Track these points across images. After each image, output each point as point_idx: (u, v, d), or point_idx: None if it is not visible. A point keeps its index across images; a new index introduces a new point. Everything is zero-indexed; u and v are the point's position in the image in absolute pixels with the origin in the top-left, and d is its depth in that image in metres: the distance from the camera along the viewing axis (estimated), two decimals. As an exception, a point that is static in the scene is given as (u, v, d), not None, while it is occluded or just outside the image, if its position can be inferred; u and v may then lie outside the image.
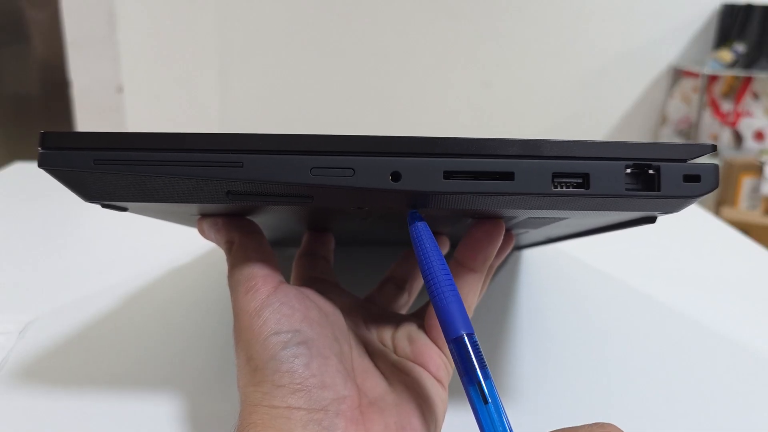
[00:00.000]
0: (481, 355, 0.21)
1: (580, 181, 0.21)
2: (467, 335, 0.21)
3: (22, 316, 0.40)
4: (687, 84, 2.12)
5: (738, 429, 0.32)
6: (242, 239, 0.27)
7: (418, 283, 0.33)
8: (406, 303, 0.32)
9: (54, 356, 0.36)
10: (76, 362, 0.36)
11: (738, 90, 2.08)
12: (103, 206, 0.24)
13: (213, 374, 0.35)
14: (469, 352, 0.21)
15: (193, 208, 0.26)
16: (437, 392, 0.26)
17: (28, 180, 0.73)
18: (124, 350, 0.37)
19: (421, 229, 0.23)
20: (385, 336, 0.28)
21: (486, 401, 0.20)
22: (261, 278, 0.25)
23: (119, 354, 0.37)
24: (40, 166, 0.21)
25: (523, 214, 0.25)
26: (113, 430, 0.30)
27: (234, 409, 0.24)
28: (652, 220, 0.25)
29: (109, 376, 0.34)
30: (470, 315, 0.27)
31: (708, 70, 2.01)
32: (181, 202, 0.22)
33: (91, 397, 0.33)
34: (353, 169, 0.21)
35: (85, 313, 0.41)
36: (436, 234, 0.33)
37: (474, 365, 0.21)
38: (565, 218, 0.26)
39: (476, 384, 0.21)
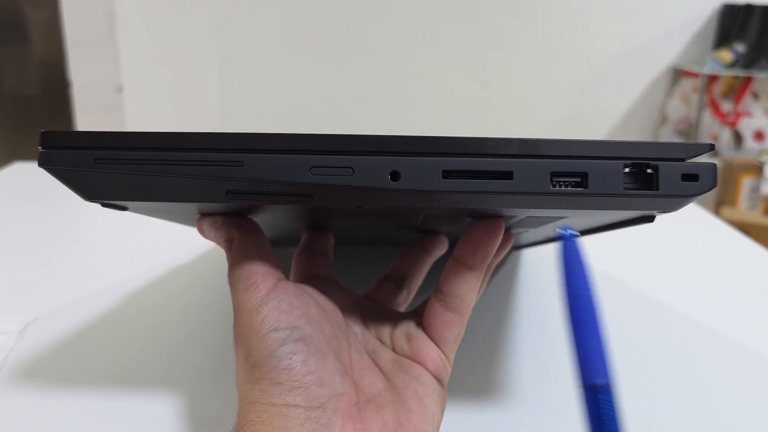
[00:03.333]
0: (617, 412, 0.18)
1: (578, 180, 0.21)
2: (605, 385, 0.18)
3: (22, 316, 0.40)
4: (687, 84, 2.12)
5: (738, 429, 0.32)
6: (242, 237, 0.27)
7: (417, 281, 0.33)
8: (405, 301, 0.32)
9: (54, 356, 0.36)
10: (76, 362, 0.36)
11: (738, 90, 2.08)
12: (103, 205, 0.24)
13: (212, 373, 0.35)
14: (603, 405, 0.18)
15: (192, 208, 0.26)
16: (435, 390, 0.26)
17: (28, 180, 0.73)
18: (124, 350, 0.37)
19: (575, 249, 0.20)
20: (383, 333, 0.29)
21: None
22: (260, 275, 0.25)
23: (119, 354, 0.37)
24: (40, 165, 0.21)
25: (521, 214, 0.25)
26: (113, 430, 0.31)
27: (233, 407, 0.24)
28: (650, 219, 0.25)
29: (109, 376, 0.35)
30: (469, 312, 0.27)
31: (708, 70, 2.01)
32: (181, 201, 0.22)
33: (91, 397, 0.33)
34: (352, 169, 0.21)
35: (85, 313, 0.41)
36: (436, 234, 0.33)
37: (605, 422, 0.18)
38: (563, 217, 0.26)
39: None
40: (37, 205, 0.64)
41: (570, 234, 0.20)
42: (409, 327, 0.28)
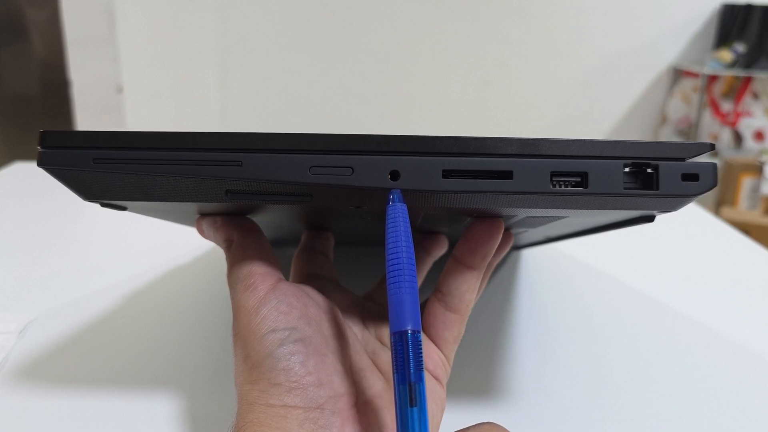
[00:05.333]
0: (421, 356, 0.20)
1: (578, 180, 0.21)
2: (412, 331, 0.20)
3: (22, 316, 0.40)
4: (687, 84, 2.12)
5: (738, 429, 0.32)
6: (241, 237, 0.27)
7: (417, 282, 0.33)
8: (405, 302, 0.32)
9: (54, 356, 0.36)
10: (76, 362, 0.36)
11: (738, 90, 2.08)
12: (103, 205, 0.24)
13: (212, 373, 0.35)
14: (409, 349, 0.20)
15: (192, 207, 0.26)
16: (435, 390, 0.26)
17: (28, 180, 0.73)
18: (124, 350, 0.37)
19: (400, 211, 0.21)
20: (383, 334, 0.29)
21: (413, 404, 0.20)
22: (260, 276, 0.25)
23: (119, 354, 0.37)
24: (39, 165, 0.21)
25: (521, 213, 0.25)
26: (113, 430, 0.30)
27: (232, 408, 0.24)
28: (650, 219, 0.25)
29: (109, 376, 0.34)
30: (468, 312, 0.27)
31: (708, 70, 2.01)
32: (180, 201, 0.22)
33: (91, 397, 0.33)
34: (352, 168, 0.21)
35: (85, 313, 0.41)
36: (436, 233, 0.33)
37: (410, 364, 0.20)
38: (563, 217, 0.26)
39: (407, 384, 0.20)
40: (37, 205, 0.64)
41: (398, 198, 0.21)
42: (408, 327, 0.28)
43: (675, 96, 2.14)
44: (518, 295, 0.46)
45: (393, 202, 0.21)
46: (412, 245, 0.21)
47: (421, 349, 0.21)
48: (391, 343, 0.21)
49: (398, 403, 0.20)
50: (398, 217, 0.21)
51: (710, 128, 2.10)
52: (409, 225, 0.22)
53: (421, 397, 0.20)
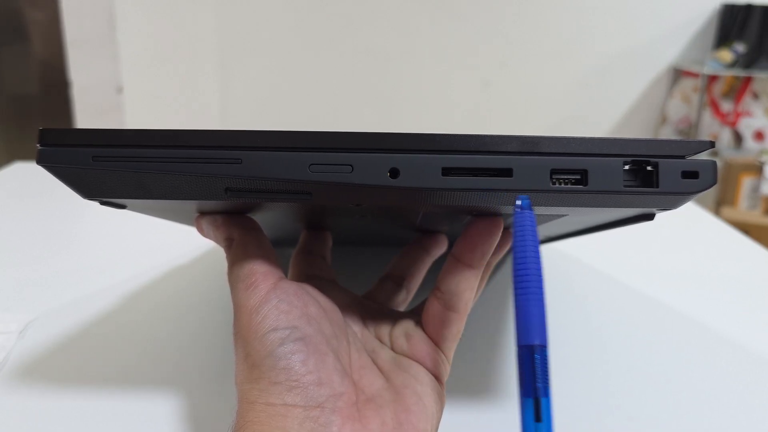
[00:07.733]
0: (548, 371, 0.20)
1: (578, 177, 0.21)
2: (539, 346, 0.20)
3: (22, 316, 0.40)
4: (687, 84, 2.12)
5: (738, 429, 0.32)
6: (242, 236, 0.27)
7: (417, 280, 0.33)
8: (404, 300, 0.32)
9: (54, 356, 0.36)
10: (76, 362, 0.36)
11: (738, 90, 2.08)
12: (102, 203, 0.24)
13: (212, 373, 0.35)
14: (537, 364, 0.20)
15: (191, 206, 0.26)
16: (435, 389, 0.26)
17: (28, 180, 0.73)
18: (124, 350, 0.37)
19: (528, 219, 0.21)
20: (382, 333, 0.28)
21: (538, 419, 0.20)
22: (261, 275, 0.25)
23: (119, 353, 0.37)
24: (38, 162, 0.21)
25: (521, 212, 0.25)
26: (113, 430, 0.30)
27: (233, 407, 0.24)
28: (650, 217, 0.25)
29: (109, 376, 0.34)
30: (467, 311, 0.27)
31: (708, 70, 2.01)
32: (180, 199, 0.22)
33: (91, 397, 0.33)
34: (352, 166, 0.21)
35: (85, 313, 0.41)
36: (435, 233, 0.33)
37: (537, 379, 0.20)
38: (563, 215, 0.26)
39: (533, 398, 0.20)
40: (37, 205, 0.64)
41: (526, 205, 0.21)
42: (408, 326, 0.28)
43: (675, 96, 2.14)
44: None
45: (521, 209, 0.21)
46: (539, 255, 0.21)
47: (548, 364, 0.20)
48: (517, 356, 0.20)
49: (523, 418, 0.20)
50: (526, 225, 0.20)
51: (710, 128, 2.10)
52: (537, 233, 0.21)
53: (548, 414, 0.20)
